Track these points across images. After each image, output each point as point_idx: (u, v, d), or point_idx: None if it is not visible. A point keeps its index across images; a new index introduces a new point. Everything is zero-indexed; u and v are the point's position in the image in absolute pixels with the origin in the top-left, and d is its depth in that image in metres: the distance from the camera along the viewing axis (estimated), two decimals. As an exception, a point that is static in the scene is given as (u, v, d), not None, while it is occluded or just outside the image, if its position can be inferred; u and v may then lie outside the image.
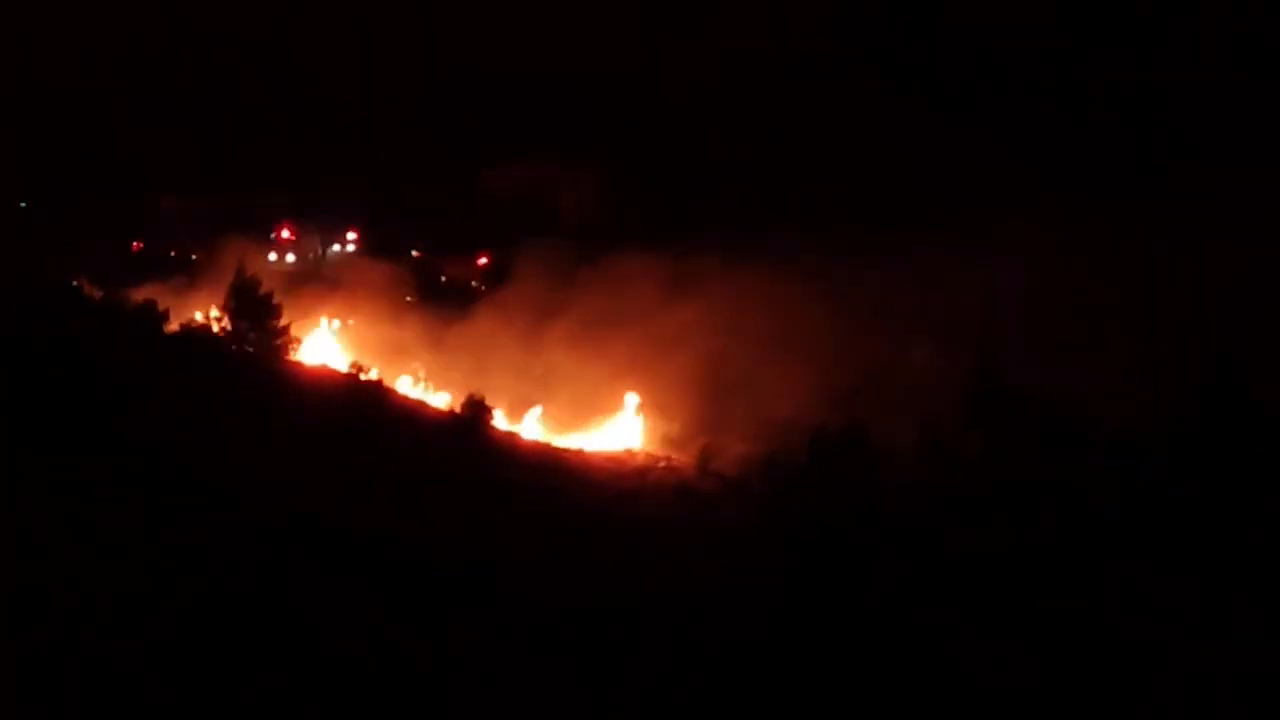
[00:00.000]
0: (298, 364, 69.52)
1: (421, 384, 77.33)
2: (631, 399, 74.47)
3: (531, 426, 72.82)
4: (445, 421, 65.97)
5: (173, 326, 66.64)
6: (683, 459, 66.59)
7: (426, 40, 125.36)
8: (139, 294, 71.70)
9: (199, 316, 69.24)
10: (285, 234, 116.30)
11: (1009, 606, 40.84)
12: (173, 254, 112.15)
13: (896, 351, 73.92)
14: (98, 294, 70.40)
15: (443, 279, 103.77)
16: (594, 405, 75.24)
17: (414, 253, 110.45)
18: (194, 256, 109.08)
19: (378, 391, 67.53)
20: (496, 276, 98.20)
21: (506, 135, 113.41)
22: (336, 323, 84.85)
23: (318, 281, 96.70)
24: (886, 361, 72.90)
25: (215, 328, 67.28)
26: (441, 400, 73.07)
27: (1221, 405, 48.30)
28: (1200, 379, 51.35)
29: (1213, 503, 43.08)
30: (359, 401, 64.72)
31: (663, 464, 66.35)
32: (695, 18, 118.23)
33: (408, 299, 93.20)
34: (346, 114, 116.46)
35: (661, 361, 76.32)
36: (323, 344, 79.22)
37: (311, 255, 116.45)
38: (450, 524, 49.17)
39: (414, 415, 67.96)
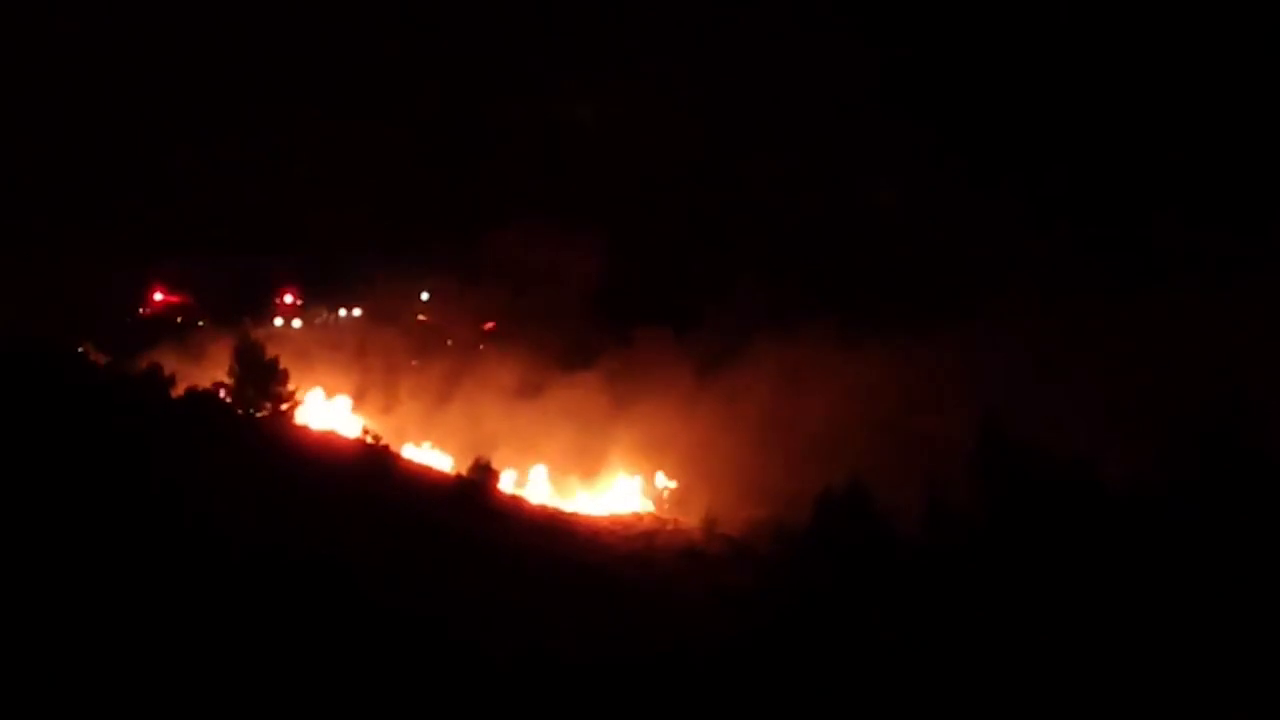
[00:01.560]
0: (304, 429, 69.44)
1: (427, 448, 77.17)
2: (638, 463, 74.48)
3: (538, 490, 72.68)
4: (451, 485, 65.87)
5: (178, 391, 66.54)
6: (689, 521, 66.51)
7: (431, 100, 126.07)
8: (145, 359, 71.62)
9: (205, 382, 69.00)
10: (288, 299, 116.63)
11: (1015, 667, 40.65)
12: (179, 319, 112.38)
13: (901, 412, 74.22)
14: (103, 359, 70.35)
15: (449, 342, 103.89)
16: (601, 469, 75.20)
17: (420, 317, 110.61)
18: (200, 322, 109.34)
19: (384, 455, 67.49)
20: (502, 341, 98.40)
21: (511, 196, 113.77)
22: (343, 388, 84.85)
23: (324, 346, 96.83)
24: (890, 423, 73.08)
25: (222, 393, 67.14)
26: (447, 464, 72.91)
27: (1222, 455, 48.15)
28: (1201, 428, 51.22)
29: (1217, 554, 42.91)
30: (365, 465, 64.71)
31: (670, 526, 66.29)
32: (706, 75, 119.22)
33: (414, 363, 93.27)
34: (352, 174, 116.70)
35: (668, 425, 76.32)
36: (329, 409, 79.14)
37: (318, 320, 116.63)
38: (455, 585, 49.07)
39: (420, 479, 67.87)
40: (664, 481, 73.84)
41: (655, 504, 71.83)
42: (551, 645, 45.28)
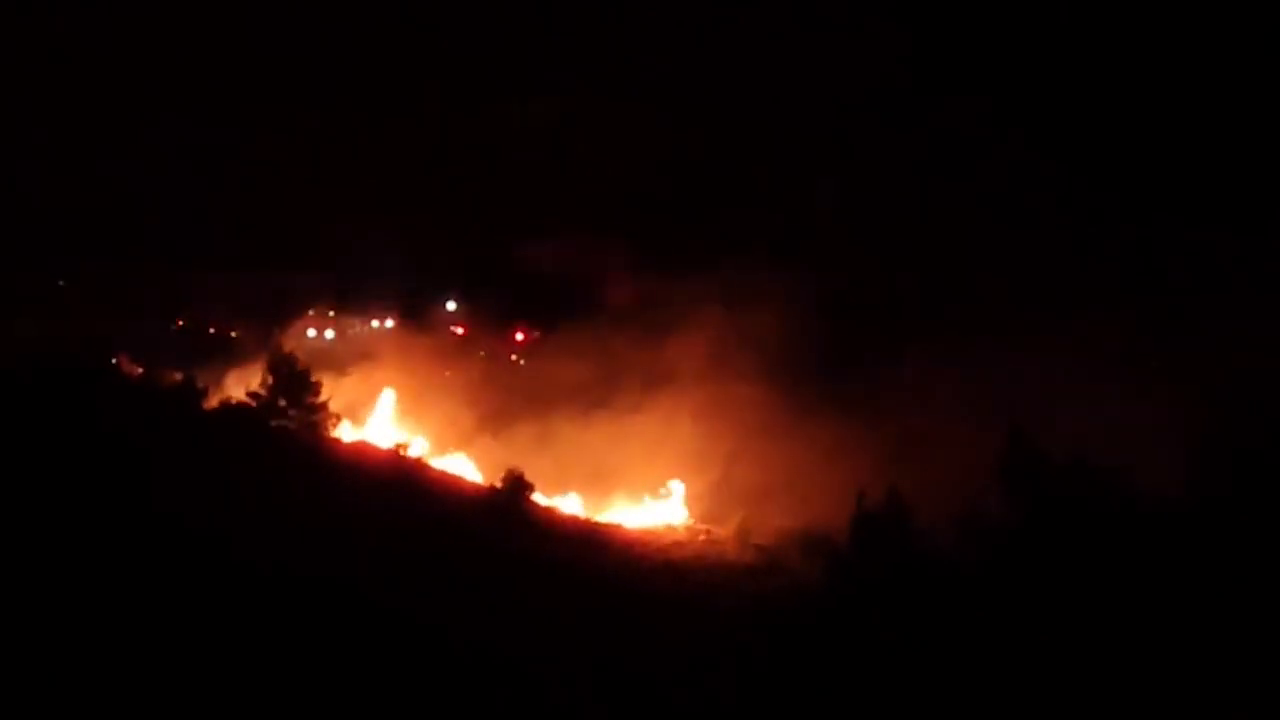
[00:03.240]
0: (336, 440, 69.42)
1: (461, 459, 77.09)
2: (670, 473, 74.25)
3: (571, 502, 72.55)
4: (484, 497, 65.76)
5: (211, 403, 66.64)
6: (722, 532, 66.30)
7: (464, 111, 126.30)
8: (178, 371, 71.67)
9: (238, 394, 68.95)
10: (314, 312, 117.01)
11: (1047, 683, 40.43)
12: (212, 331, 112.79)
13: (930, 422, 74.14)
14: (137, 372, 70.51)
15: (481, 354, 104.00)
16: (633, 480, 74.97)
17: (453, 328, 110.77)
18: (234, 334, 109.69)
19: (416, 467, 67.48)
20: (534, 351, 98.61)
21: (543, 207, 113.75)
22: (375, 398, 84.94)
23: (357, 357, 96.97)
24: (921, 433, 72.92)
25: (254, 405, 67.15)
26: (481, 475, 72.74)
27: (1257, 470, 47.67)
28: (1235, 443, 50.78)
29: (1249, 570, 42.49)
30: (397, 477, 64.66)
31: (702, 537, 66.06)
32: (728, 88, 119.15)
33: (446, 373, 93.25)
34: (382, 188, 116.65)
35: (699, 436, 76.13)
36: (362, 420, 79.18)
37: (350, 331, 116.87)
38: (487, 597, 49.04)
39: (453, 490, 67.78)
40: (697, 492, 73.53)
41: (688, 515, 71.53)
42: (584, 656, 45.30)
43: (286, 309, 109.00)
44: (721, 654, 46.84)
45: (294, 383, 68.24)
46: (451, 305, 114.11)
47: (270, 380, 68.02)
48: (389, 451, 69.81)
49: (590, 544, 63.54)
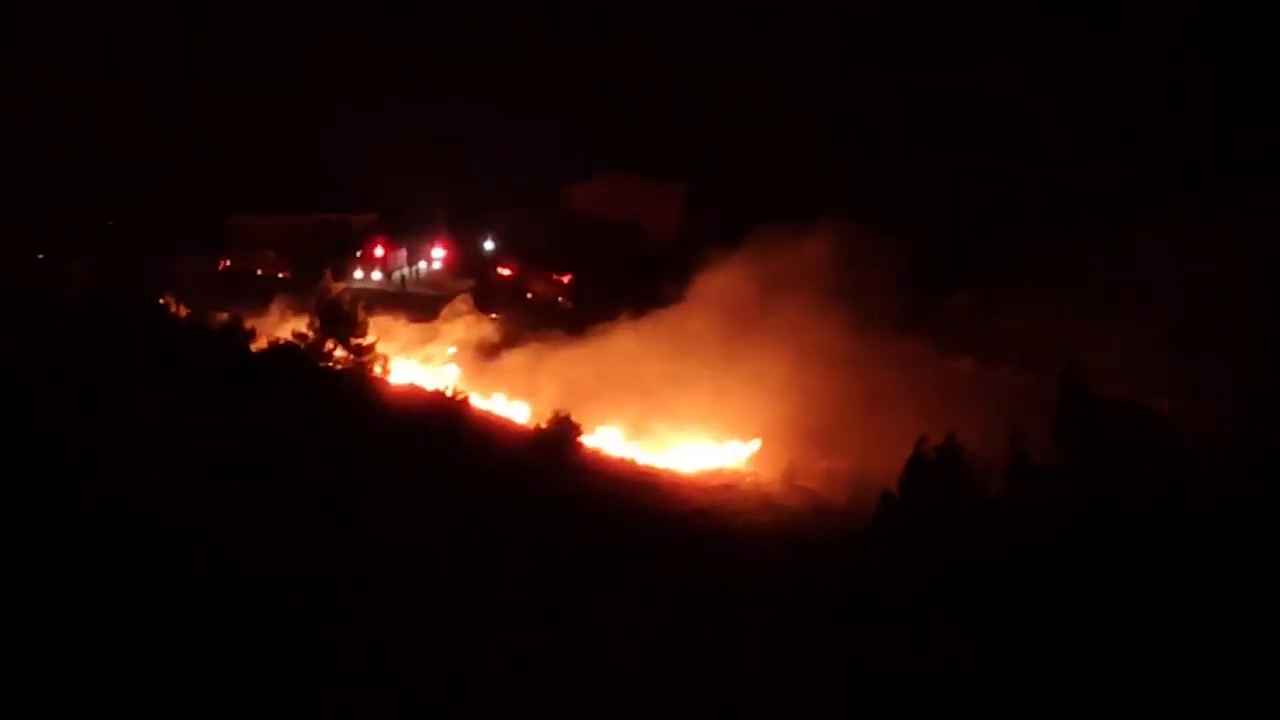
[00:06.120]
0: (383, 380, 69.41)
1: (509, 400, 77.09)
2: (718, 417, 74.00)
3: (618, 444, 72.40)
4: (531, 438, 65.66)
5: (260, 344, 66.63)
6: (769, 474, 66.02)
7: (513, 54, 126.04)
8: (226, 312, 71.75)
9: (285, 335, 68.85)
10: (378, 251, 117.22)
11: (1096, 630, 40.12)
12: (260, 272, 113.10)
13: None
14: (184, 312, 70.56)
15: (529, 295, 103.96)
16: (681, 423, 74.72)
17: (501, 270, 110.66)
18: (281, 275, 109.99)
19: (463, 408, 67.37)
20: (581, 293, 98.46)
21: (591, 149, 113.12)
22: (423, 340, 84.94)
23: (405, 298, 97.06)
24: (972, 377, 72.52)
25: (301, 346, 67.08)
26: (528, 417, 72.68)
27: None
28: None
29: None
30: (444, 418, 64.57)
31: (749, 480, 65.77)
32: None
33: (494, 316, 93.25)
34: (434, 130, 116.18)
35: (747, 380, 75.71)
36: (409, 361, 79.18)
37: (398, 273, 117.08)
38: (533, 537, 49.05)
39: (500, 431, 67.74)
40: (746, 436, 73.24)
41: (735, 458, 71.27)
42: (629, 597, 45.29)
43: (333, 250, 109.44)
44: (759, 598, 46.80)
45: (341, 324, 68.18)
46: (489, 245, 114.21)
47: (317, 321, 67.99)
48: (436, 392, 69.79)
49: (636, 485, 63.37)
